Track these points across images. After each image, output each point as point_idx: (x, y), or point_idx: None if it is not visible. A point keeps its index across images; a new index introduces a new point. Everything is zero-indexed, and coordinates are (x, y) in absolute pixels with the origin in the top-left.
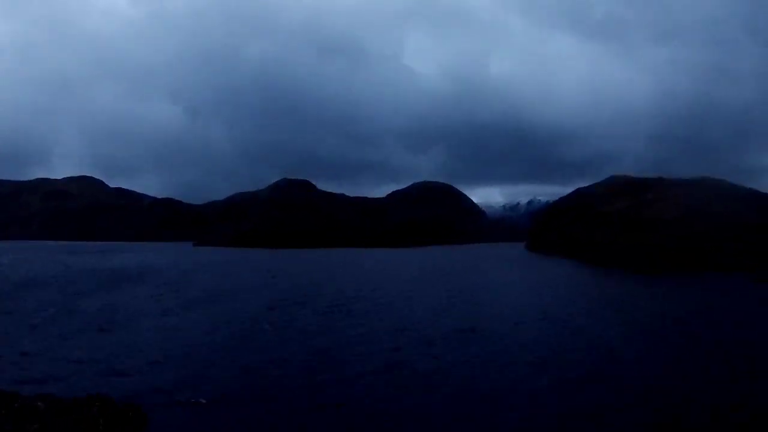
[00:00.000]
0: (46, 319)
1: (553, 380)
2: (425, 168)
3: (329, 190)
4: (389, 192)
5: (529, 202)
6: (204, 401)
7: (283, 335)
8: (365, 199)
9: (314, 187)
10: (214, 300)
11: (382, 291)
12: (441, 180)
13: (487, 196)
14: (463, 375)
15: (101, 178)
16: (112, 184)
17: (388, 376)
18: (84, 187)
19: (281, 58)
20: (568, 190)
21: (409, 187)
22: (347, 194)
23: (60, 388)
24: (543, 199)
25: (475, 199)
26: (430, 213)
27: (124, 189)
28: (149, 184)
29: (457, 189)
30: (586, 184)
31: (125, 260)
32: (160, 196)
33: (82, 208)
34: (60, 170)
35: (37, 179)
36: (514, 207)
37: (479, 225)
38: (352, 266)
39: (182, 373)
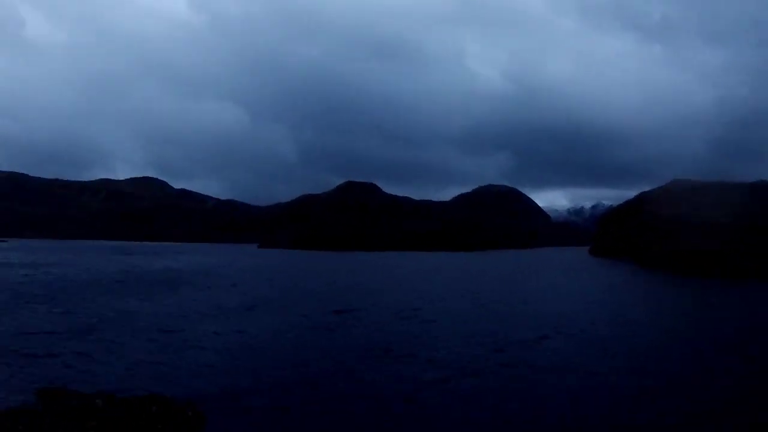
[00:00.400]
0: (103, 320)
1: (623, 391)
2: (490, 171)
3: (394, 193)
4: (454, 195)
5: (594, 206)
6: (263, 405)
7: (347, 340)
8: (430, 202)
9: (379, 189)
10: (276, 303)
11: (447, 295)
12: (506, 183)
13: (553, 199)
14: (539, 381)
15: (165, 180)
16: (176, 186)
17: (460, 384)
18: (147, 187)
19: (340, 61)
20: (632, 193)
21: (474, 190)
22: (412, 197)
23: (117, 387)
24: (607, 202)
25: (540, 203)
26: (495, 216)
27: (187, 190)
28: (213, 186)
29: (522, 192)
30: (649, 187)
31: (188, 261)
32: (223, 198)
33: (144, 209)
34: (122, 172)
35: (99, 180)
36: (579, 211)
37: (544, 229)
38: (416, 269)
39: (241, 377)
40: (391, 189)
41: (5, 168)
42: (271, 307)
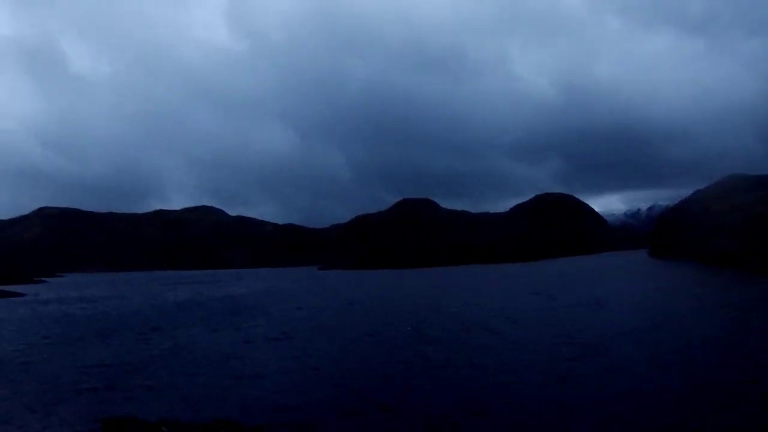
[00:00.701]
0: (166, 350)
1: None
2: (545, 178)
3: (451, 207)
4: (511, 206)
5: (650, 208)
6: (332, 428)
7: (415, 360)
8: (487, 214)
9: (436, 205)
10: (340, 325)
11: (512, 307)
12: (562, 190)
13: (608, 203)
14: (593, 390)
15: (221, 208)
16: (232, 213)
17: (525, 396)
18: (203, 216)
19: (386, 76)
20: (687, 191)
21: (530, 200)
22: (469, 210)
23: (182, 415)
24: (663, 203)
25: (596, 208)
26: (553, 225)
27: (244, 216)
28: (270, 211)
29: (578, 199)
30: (704, 185)
31: (249, 287)
32: (281, 222)
33: (201, 237)
34: (177, 202)
35: (155, 211)
36: (635, 213)
37: (602, 234)
38: (478, 283)
39: (309, 402)
40: (447, 203)
41: (58, 203)
42: (336, 330)
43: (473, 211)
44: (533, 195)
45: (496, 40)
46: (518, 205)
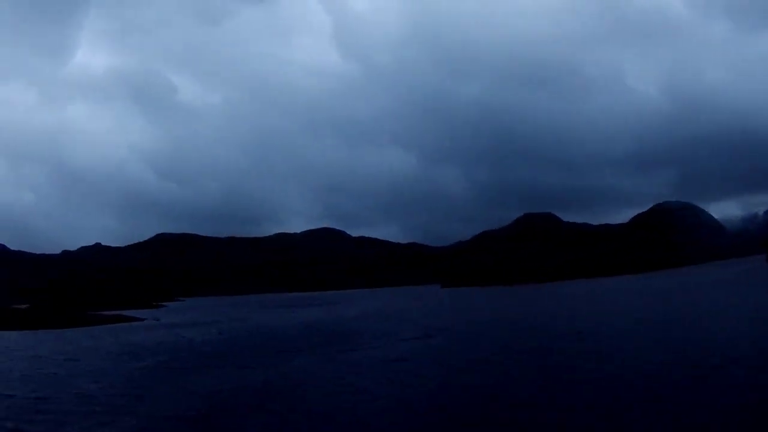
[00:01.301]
0: (284, 373)
1: None
2: (663, 188)
3: (571, 220)
4: (631, 216)
5: (766, 212)
6: None
7: (544, 382)
8: (608, 226)
9: (558, 219)
10: (465, 346)
11: (638, 326)
12: (680, 199)
13: (726, 209)
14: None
15: (342, 229)
16: (354, 234)
17: None
18: (324, 238)
19: (498, 93)
20: None
21: (650, 209)
22: (590, 222)
23: None
24: None
25: (714, 215)
26: (673, 234)
27: (365, 237)
28: (392, 231)
29: (696, 206)
30: None
31: (371, 307)
32: (404, 242)
33: (323, 258)
34: (297, 225)
35: (275, 234)
36: (752, 218)
37: (722, 241)
38: (604, 299)
39: (422, 426)
40: (568, 216)
41: (174, 230)
42: (457, 352)
43: (594, 223)
44: (652, 204)
45: (606, 52)
46: (638, 215)
